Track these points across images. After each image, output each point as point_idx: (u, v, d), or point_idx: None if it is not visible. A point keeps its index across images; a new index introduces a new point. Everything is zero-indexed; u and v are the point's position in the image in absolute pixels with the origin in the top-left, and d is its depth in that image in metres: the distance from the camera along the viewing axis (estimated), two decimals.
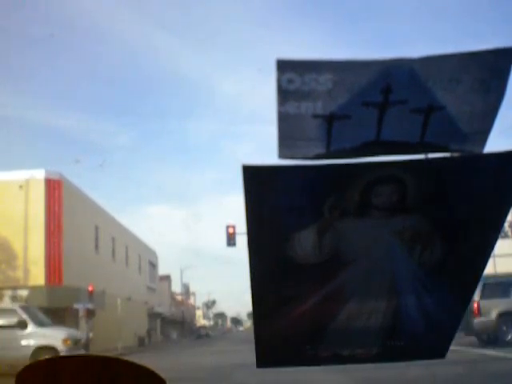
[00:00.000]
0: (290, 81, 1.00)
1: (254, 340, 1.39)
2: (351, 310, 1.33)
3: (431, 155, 1.12)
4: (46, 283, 25.15)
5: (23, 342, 15.47)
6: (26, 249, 25.30)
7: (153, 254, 50.83)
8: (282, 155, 1.09)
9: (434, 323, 1.39)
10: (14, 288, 24.81)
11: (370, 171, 1.10)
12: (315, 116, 1.04)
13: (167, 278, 60.43)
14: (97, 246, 32.03)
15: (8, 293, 24.79)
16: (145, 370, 1.14)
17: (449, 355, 1.51)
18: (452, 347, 1.50)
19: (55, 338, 15.74)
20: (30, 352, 15.12)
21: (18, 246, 25.33)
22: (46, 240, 25.45)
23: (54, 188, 26.06)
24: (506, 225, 31.64)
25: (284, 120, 1.04)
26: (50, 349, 15.25)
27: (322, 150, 1.10)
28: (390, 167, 1.10)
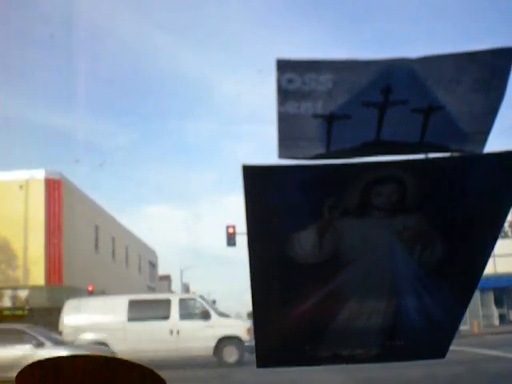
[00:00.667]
0: (290, 81, 1.00)
1: (254, 340, 1.39)
2: (351, 310, 1.33)
3: (431, 155, 1.12)
4: (45, 283, 25.15)
5: (207, 333, 15.39)
6: (25, 249, 25.30)
7: (153, 253, 50.83)
8: (282, 155, 1.09)
9: (434, 323, 1.39)
10: (14, 288, 24.84)
11: (370, 171, 1.10)
12: (315, 116, 1.04)
13: (167, 278, 60.40)
14: (97, 246, 32.03)
15: (8, 293, 24.80)
16: (145, 370, 1.14)
17: (449, 355, 1.51)
18: (452, 347, 1.50)
19: (239, 327, 15.79)
20: (214, 342, 15.19)
21: (17, 246, 25.33)
22: (46, 240, 25.45)
23: (54, 188, 26.06)
24: (506, 225, 31.69)
25: (284, 120, 1.04)
26: (234, 338, 15.34)
27: (322, 150, 1.10)
28: (390, 167, 1.10)
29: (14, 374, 1.15)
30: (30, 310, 24.09)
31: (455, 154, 1.13)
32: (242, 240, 23.09)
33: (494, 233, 1.22)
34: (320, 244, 1.19)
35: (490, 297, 35.57)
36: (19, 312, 24.40)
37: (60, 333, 15.23)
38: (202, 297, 16.68)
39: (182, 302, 15.92)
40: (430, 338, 1.44)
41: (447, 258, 1.24)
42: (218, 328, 15.36)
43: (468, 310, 1.41)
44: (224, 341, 15.10)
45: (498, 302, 36.35)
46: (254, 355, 1.43)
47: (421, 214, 1.18)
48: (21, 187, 25.37)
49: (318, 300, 1.29)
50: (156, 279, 52.21)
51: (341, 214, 1.16)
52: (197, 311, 15.63)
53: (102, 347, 14.26)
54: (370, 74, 1.00)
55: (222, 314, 16.30)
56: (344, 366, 1.64)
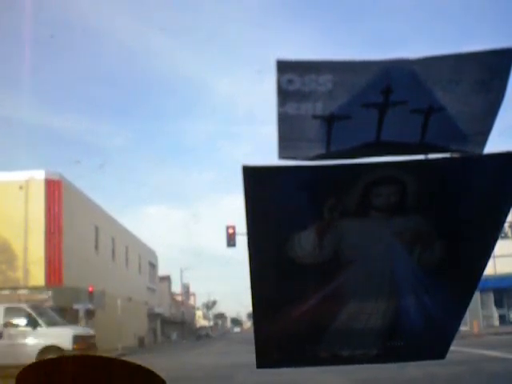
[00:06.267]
0: (290, 81, 1.00)
1: (254, 340, 1.39)
2: (351, 311, 1.34)
3: (431, 156, 1.12)
4: (46, 284, 25.13)
5: (32, 342, 16.07)
6: (26, 249, 25.30)
7: (153, 254, 50.82)
8: (281, 156, 1.09)
9: (434, 324, 1.39)
10: (14, 288, 24.81)
11: (369, 172, 1.10)
12: (315, 117, 1.04)
13: (167, 279, 60.40)
14: (97, 247, 32.03)
15: (8, 293, 24.75)
16: (144, 370, 1.14)
17: (448, 355, 1.51)
18: (452, 347, 1.50)
19: (61, 337, 16.30)
20: (36, 352, 15.68)
21: (18, 247, 25.33)
22: (46, 240, 25.45)
23: (54, 188, 26.06)
24: (506, 225, 31.68)
25: (284, 121, 1.04)
26: (54, 348, 15.85)
27: (322, 151, 1.10)
28: (390, 168, 1.10)
29: None
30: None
31: (455, 155, 1.13)
32: (242, 240, 23.08)
33: (494, 233, 1.22)
34: (320, 244, 1.19)
35: (490, 297, 35.56)
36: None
37: None
38: (33, 306, 17.26)
39: (7, 310, 16.60)
40: (430, 338, 1.44)
41: (447, 259, 1.24)
42: (43, 337, 16.07)
43: (468, 310, 1.41)
44: (47, 350, 15.67)
45: (498, 303, 36.34)
46: None
47: (421, 215, 1.18)
48: (21, 188, 25.36)
49: (318, 300, 1.29)
50: (156, 280, 52.20)
51: (341, 215, 1.16)
52: (23, 320, 16.24)
53: None
54: (370, 75, 1.00)
55: (54, 323, 16.89)
56: (344, 366, 1.64)
